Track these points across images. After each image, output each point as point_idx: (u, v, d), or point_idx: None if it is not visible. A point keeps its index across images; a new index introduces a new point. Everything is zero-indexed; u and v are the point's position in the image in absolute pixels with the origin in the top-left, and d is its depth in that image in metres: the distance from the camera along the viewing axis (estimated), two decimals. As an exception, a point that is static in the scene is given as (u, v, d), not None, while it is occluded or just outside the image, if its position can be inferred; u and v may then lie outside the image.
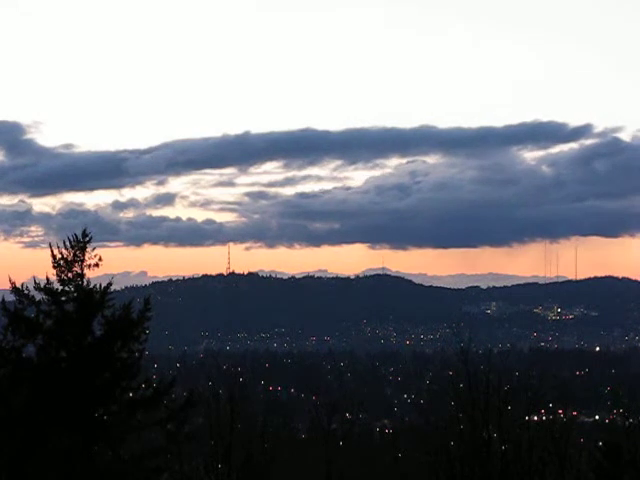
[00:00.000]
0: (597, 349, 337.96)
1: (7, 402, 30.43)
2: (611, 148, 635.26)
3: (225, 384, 61.59)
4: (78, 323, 31.47)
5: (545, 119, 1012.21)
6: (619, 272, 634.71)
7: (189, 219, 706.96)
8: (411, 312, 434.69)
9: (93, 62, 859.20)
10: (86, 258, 31.76)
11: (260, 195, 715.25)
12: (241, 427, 58.64)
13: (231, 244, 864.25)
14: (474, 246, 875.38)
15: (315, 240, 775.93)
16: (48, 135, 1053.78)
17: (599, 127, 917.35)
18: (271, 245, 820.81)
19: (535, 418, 52.93)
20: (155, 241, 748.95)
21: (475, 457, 46.90)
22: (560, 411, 58.52)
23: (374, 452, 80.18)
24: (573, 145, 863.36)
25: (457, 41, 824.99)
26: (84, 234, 31.85)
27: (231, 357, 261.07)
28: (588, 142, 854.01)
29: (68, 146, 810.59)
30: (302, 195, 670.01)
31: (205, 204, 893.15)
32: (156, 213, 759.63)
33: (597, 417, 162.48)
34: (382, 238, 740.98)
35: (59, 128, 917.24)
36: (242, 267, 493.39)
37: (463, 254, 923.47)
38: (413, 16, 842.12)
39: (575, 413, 64.70)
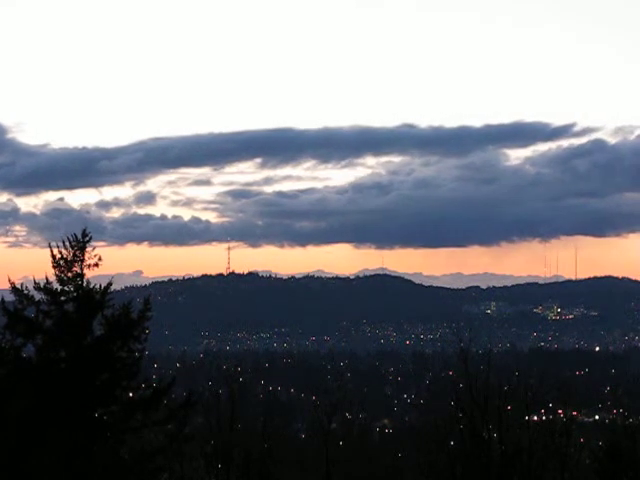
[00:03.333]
0: (597, 349, 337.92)
1: (7, 402, 30.40)
2: (595, 147, 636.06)
3: (225, 384, 61.55)
4: (78, 323, 31.45)
5: (528, 118, 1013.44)
6: (619, 272, 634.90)
7: (174, 217, 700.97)
8: (411, 312, 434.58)
9: (72, 63, 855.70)
10: (86, 258, 31.75)
11: (241, 194, 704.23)
12: (241, 427, 58.64)
13: (224, 244, 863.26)
14: (463, 245, 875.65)
15: (301, 239, 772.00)
16: (29, 134, 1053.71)
17: (583, 126, 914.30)
18: (258, 245, 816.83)
19: (535, 418, 52.93)
20: (142, 240, 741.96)
21: (475, 457, 46.90)
22: (560, 411, 58.41)
23: (374, 452, 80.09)
24: (557, 144, 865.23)
25: (438, 40, 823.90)
26: (84, 234, 31.84)
27: (231, 357, 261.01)
28: (572, 141, 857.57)
29: (46, 145, 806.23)
30: (281, 194, 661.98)
31: (187, 203, 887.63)
32: (139, 212, 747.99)
33: (597, 417, 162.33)
34: (366, 238, 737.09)
35: (39, 127, 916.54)
36: (228, 266, 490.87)
37: (453, 253, 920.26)
38: (392, 15, 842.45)
39: (575, 413, 64.41)
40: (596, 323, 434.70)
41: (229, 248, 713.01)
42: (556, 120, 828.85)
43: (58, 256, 31.64)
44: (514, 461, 47.86)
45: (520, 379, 53.26)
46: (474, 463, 46.93)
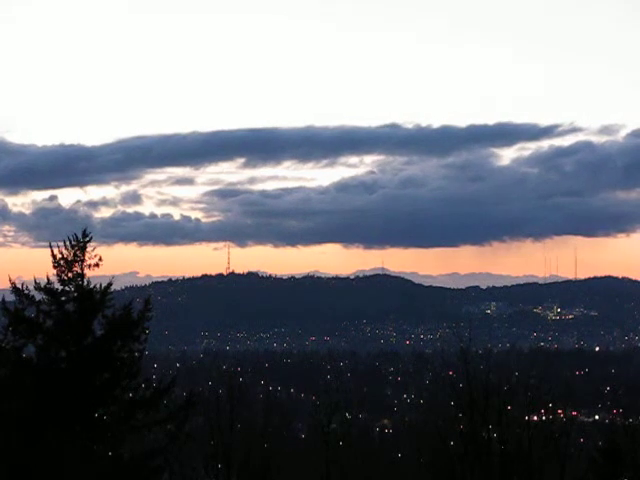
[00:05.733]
0: (597, 349, 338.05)
1: (7, 402, 30.42)
2: (582, 146, 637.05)
3: (225, 384, 61.53)
4: (78, 323, 31.48)
5: (515, 118, 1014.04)
6: (619, 272, 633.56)
7: (164, 216, 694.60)
8: (411, 312, 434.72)
9: (58, 63, 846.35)
10: (86, 258, 31.79)
11: (228, 193, 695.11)
12: (241, 427, 58.60)
13: (212, 243, 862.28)
14: (455, 245, 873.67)
15: (291, 239, 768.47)
16: (16, 134, 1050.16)
17: (570, 126, 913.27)
18: (248, 245, 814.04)
19: (535, 418, 52.93)
20: (133, 240, 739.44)
21: (475, 457, 46.91)
22: (560, 411, 58.44)
23: (374, 452, 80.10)
24: (543, 144, 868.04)
25: (425, 41, 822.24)
26: (84, 234, 31.88)
27: (231, 357, 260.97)
28: (559, 141, 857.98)
29: (31, 145, 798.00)
30: (267, 194, 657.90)
31: (174, 202, 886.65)
32: (128, 211, 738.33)
33: (597, 417, 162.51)
34: (354, 238, 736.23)
35: (25, 127, 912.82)
36: (221, 267, 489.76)
37: (445, 253, 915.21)
38: (375, 15, 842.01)
39: (575, 413, 64.50)
40: (596, 323, 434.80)
41: (229, 247, 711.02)
42: (543, 120, 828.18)
43: (59, 256, 31.68)
44: (514, 461, 47.88)
45: (520, 379, 53.25)
46: (474, 463, 46.96)
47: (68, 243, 31.71)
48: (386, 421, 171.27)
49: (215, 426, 54.88)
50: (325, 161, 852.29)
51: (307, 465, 65.97)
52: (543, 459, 49.01)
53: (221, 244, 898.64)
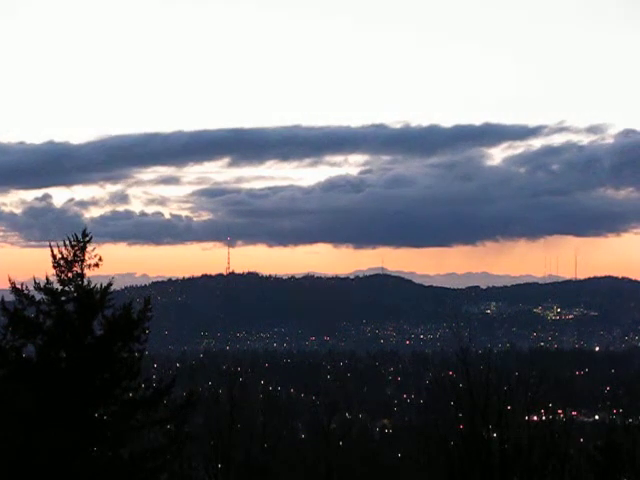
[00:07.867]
0: (597, 349, 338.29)
1: (7, 402, 30.41)
2: (571, 146, 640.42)
3: (225, 384, 61.59)
4: (78, 323, 31.46)
5: (503, 118, 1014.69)
6: (617, 272, 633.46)
7: (155, 215, 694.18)
8: (411, 312, 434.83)
9: (42, 61, 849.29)
10: (86, 258, 31.77)
11: (216, 193, 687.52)
12: (241, 427, 58.67)
13: (203, 243, 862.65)
14: (448, 245, 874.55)
15: (283, 239, 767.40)
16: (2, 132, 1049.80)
17: (559, 126, 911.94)
18: (241, 245, 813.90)
19: (535, 418, 52.94)
20: (125, 239, 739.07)
21: (475, 457, 46.90)
22: (560, 411, 58.41)
23: (374, 452, 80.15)
24: (531, 143, 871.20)
25: (409, 40, 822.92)
26: (84, 234, 31.85)
27: (231, 357, 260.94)
28: (547, 141, 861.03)
29: (16, 143, 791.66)
30: (256, 194, 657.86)
31: (161, 202, 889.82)
32: (117, 210, 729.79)
33: (597, 417, 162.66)
34: (345, 238, 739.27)
35: (11, 125, 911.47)
36: (216, 266, 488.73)
37: (440, 253, 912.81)
38: (362, 15, 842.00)
39: (575, 413, 64.60)
40: (596, 323, 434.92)
41: (229, 247, 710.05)
42: (531, 120, 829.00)
43: (58, 256, 31.65)
44: (514, 461, 47.88)
45: (520, 379, 53.24)
46: (474, 463, 46.93)
47: (68, 243, 31.69)
48: (386, 421, 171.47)
49: (215, 426, 54.94)
50: (311, 161, 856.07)
51: (307, 465, 66.01)
52: (543, 459, 49.00)
53: (211, 244, 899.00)
